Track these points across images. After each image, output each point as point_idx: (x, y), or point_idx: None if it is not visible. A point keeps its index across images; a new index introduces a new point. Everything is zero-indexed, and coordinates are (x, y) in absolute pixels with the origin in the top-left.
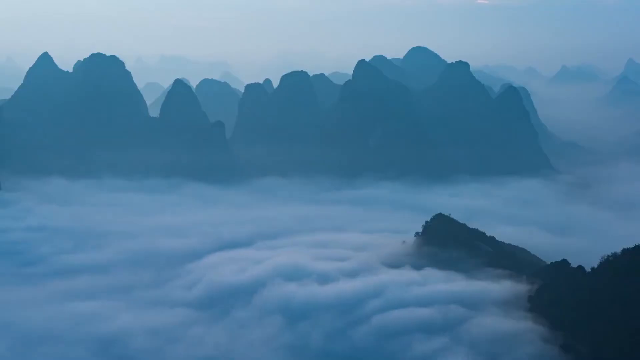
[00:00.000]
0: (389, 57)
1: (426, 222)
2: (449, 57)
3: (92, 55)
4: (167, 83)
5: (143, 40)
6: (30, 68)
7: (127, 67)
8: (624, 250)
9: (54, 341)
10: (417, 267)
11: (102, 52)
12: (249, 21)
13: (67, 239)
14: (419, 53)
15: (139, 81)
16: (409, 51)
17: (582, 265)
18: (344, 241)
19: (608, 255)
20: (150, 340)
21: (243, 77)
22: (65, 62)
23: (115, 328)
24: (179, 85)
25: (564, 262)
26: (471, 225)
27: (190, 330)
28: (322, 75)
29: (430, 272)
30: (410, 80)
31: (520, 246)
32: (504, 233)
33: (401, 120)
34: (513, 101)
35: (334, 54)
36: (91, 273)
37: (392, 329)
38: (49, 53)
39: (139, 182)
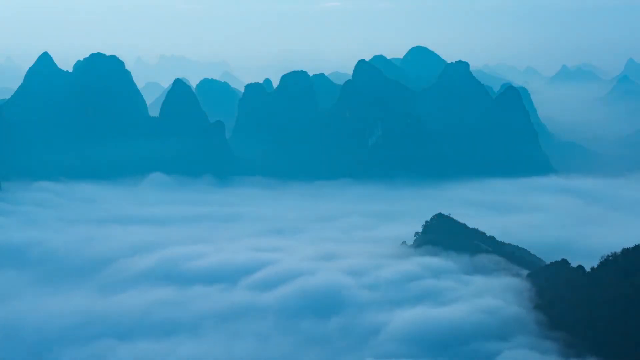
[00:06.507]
0: (389, 57)
1: (426, 221)
2: (449, 57)
3: (92, 55)
4: (167, 83)
5: (143, 40)
6: (30, 68)
7: (127, 67)
8: (624, 250)
9: None
10: (417, 267)
11: (102, 52)
12: (249, 21)
13: (68, 240)
14: (419, 53)
15: (139, 81)
16: (409, 51)
17: (582, 265)
18: (345, 240)
19: (608, 255)
20: None
21: (243, 77)
22: (65, 62)
23: None
24: (179, 85)
25: (564, 262)
26: (470, 225)
27: None
28: (322, 75)
29: (430, 273)
30: (410, 80)
31: (520, 246)
32: (503, 232)
33: (401, 120)
34: (513, 101)
35: (334, 54)
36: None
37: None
38: (49, 53)
39: (138, 181)
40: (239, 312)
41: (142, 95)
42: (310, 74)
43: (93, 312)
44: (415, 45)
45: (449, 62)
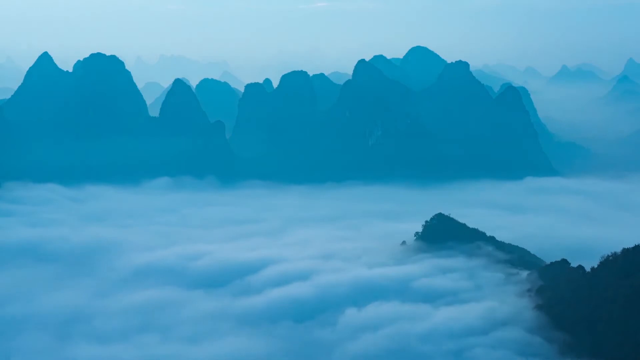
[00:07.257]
0: (388, 57)
1: (426, 221)
2: (449, 57)
3: (92, 55)
4: (167, 83)
5: (143, 40)
6: (30, 68)
7: (127, 67)
8: (624, 250)
9: None
10: (417, 267)
11: (102, 52)
12: (249, 21)
13: (68, 240)
14: (419, 53)
15: (139, 81)
16: (409, 51)
17: (582, 265)
18: (344, 239)
19: (608, 255)
20: None
21: (243, 77)
22: (65, 62)
23: None
24: (179, 85)
25: (564, 262)
26: (470, 225)
27: None
28: (322, 75)
29: (430, 272)
30: (410, 80)
31: (520, 246)
32: (504, 233)
33: (401, 120)
34: (513, 101)
35: (334, 54)
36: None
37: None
38: (49, 53)
39: (138, 181)
40: (239, 312)
41: (142, 95)
42: (310, 74)
43: (82, 311)
44: (415, 45)
45: (449, 62)
